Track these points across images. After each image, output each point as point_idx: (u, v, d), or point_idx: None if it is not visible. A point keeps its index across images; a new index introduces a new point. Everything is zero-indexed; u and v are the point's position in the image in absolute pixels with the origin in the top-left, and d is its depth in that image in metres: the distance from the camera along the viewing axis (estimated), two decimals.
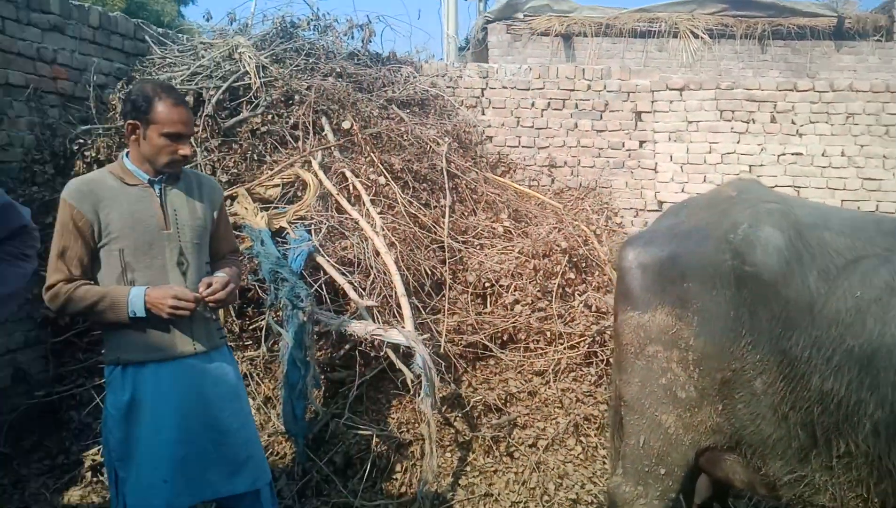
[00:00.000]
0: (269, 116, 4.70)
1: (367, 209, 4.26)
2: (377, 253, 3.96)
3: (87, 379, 3.79)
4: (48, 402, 3.75)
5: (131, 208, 2.24)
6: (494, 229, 4.97)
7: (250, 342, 3.94)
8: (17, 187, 3.77)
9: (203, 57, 4.82)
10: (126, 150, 2.32)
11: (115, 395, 2.24)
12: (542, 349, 4.27)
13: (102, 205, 2.20)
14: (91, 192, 2.20)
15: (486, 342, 4.15)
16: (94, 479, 3.37)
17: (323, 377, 3.69)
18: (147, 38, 4.82)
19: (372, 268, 3.90)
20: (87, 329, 3.86)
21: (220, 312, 2.89)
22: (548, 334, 4.29)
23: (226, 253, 2.56)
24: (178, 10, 19.91)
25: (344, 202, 4.24)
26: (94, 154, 4.06)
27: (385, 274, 3.88)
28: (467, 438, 3.63)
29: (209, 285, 2.26)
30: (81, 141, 4.09)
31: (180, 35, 5.32)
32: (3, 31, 3.69)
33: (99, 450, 3.48)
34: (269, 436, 3.51)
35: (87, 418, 3.65)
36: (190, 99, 4.39)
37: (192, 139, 2.36)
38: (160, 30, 5.14)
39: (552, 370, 4.10)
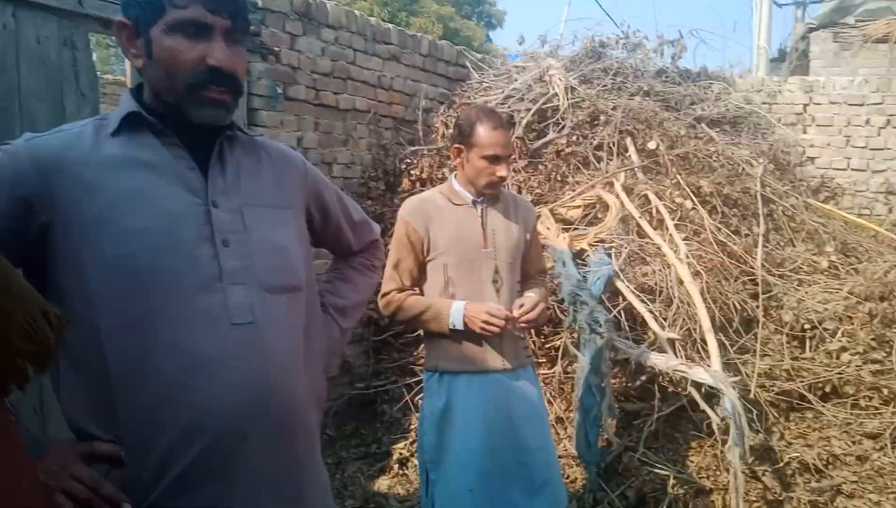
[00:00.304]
0: (574, 137, 4.72)
1: (671, 235, 4.04)
2: (680, 282, 3.73)
3: (399, 377, 4.14)
4: (366, 394, 4.18)
5: (457, 226, 2.37)
6: (817, 263, 4.40)
7: (544, 361, 3.98)
8: (355, 201, 4.29)
9: (516, 80, 5.03)
10: (455, 172, 2.47)
11: (431, 400, 2.39)
12: (876, 408, 3.64)
13: (432, 222, 2.37)
14: (424, 210, 2.38)
15: (804, 392, 3.65)
16: (401, 472, 3.65)
17: (618, 406, 3.57)
18: (468, 63, 5.17)
19: (674, 298, 3.67)
20: (401, 331, 4.23)
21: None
22: (884, 391, 3.64)
23: (534, 273, 2.59)
24: (487, 34, 21.36)
25: (646, 226, 4.07)
26: (418, 173, 4.45)
27: (688, 305, 3.63)
28: (779, 497, 3.22)
29: (521, 306, 2.31)
30: (409, 161, 4.51)
31: (495, 59, 5.62)
32: (354, 62, 4.23)
33: (405, 445, 3.79)
34: (559, 457, 3.49)
35: (397, 413, 3.98)
36: None
37: (509, 161, 2.41)
38: (478, 55, 5.48)
39: (889, 434, 3.46)
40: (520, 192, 4.43)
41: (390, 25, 4.61)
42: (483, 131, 2.31)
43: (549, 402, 3.77)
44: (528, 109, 4.73)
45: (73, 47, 2.67)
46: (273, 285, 1.24)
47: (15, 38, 2.49)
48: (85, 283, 1.11)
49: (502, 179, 2.34)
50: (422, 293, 2.41)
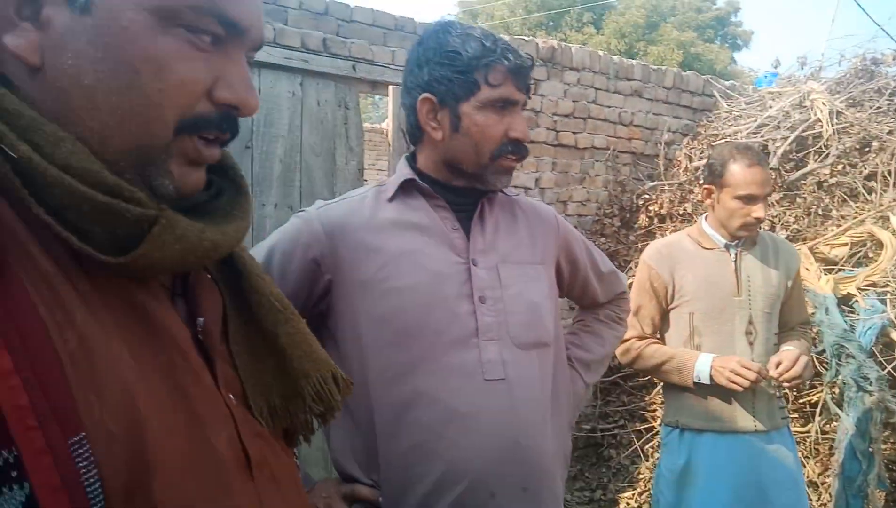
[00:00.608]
0: (840, 166, 4.21)
1: None
2: None
3: (628, 422, 3.99)
4: (592, 436, 4.08)
5: (706, 272, 2.23)
6: None
7: (797, 416, 3.57)
8: (589, 239, 4.25)
9: (770, 107, 4.65)
10: (705, 214, 2.34)
11: (670, 457, 2.26)
12: None
13: (678, 268, 2.25)
14: (669, 255, 2.27)
15: None
16: None
17: (888, 476, 3.08)
18: (715, 92, 4.90)
19: None
20: (631, 374, 4.08)
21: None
22: None
23: (795, 324, 2.35)
24: (732, 56, 20.09)
25: None
26: (657, 208, 4.29)
27: None
28: None
29: (779, 363, 2.10)
30: (647, 196, 4.38)
31: (745, 86, 5.25)
32: (595, 101, 4.23)
33: (633, 494, 3.62)
34: None
35: (625, 459, 3.83)
36: None
37: (767, 200, 2.20)
38: (727, 83, 5.17)
39: None
40: (773, 228, 4.06)
41: (634, 62, 4.54)
42: (737, 169, 2.15)
43: (802, 463, 3.37)
44: (785, 138, 4.34)
45: (345, 107, 3.03)
46: (524, 341, 1.27)
47: (301, 102, 2.89)
48: (358, 336, 1.23)
49: (759, 220, 2.15)
50: (663, 342, 2.31)
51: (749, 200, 2.14)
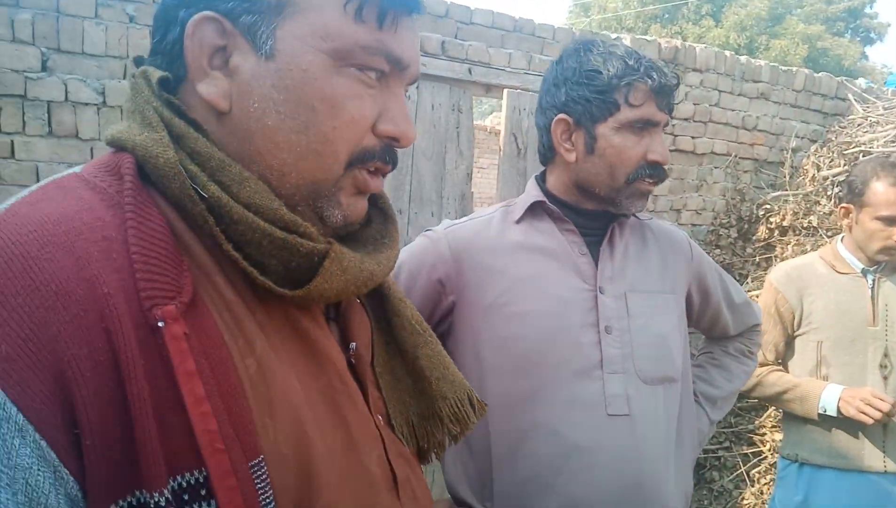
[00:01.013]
0: None
1: None
2: None
3: (734, 444, 3.81)
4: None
5: (838, 298, 2.09)
6: None
7: None
8: (703, 250, 4.07)
9: None
10: (841, 235, 2.18)
11: (785, 491, 2.14)
12: None
13: (808, 292, 2.11)
14: (799, 278, 2.14)
15: None
16: None
17: None
18: (849, 95, 4.56)
19: None
20: (740, 394, 3.88)
21: None
22: None
23: None
24: (863, 52, 18.69)
25: None
26: (779, 220, 4.05)
27: None
28: None
29: None
30: (768, 206, 4.14)
31: (883, 90, 4.85)
32: (717, 104, 4.03)
33: None
34: None
35: (729, 483, 3.67)
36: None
37: None
38: (863, 85, 4.80)
39: None
40: None
41: (762, 63, 4.29)
42: (880, 188, 1.99)
43: None
44: None
45: (458, 111, 3.03)
46: (651, 375, 1.23)
47: (415, 106, 2.91)
48: (479, 360, 1.21)
49: None
50: (786, 370, 2.17)
51: (891, 221, 1.98)
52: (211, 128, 0.61)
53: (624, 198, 1.23)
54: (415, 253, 1.28)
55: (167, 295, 0.51)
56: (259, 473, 0.53)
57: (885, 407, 1.92)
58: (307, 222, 0.62)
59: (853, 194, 2.08)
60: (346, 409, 0.64)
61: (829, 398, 2.02)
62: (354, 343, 0.69)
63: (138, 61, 0.65)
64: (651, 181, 1.24)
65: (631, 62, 1.18)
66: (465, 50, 3.09)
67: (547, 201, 1.28)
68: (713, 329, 1.54)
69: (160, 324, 0.50)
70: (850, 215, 2.09)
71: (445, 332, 1.27)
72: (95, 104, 2.41)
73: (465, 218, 1.35)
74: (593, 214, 1.27)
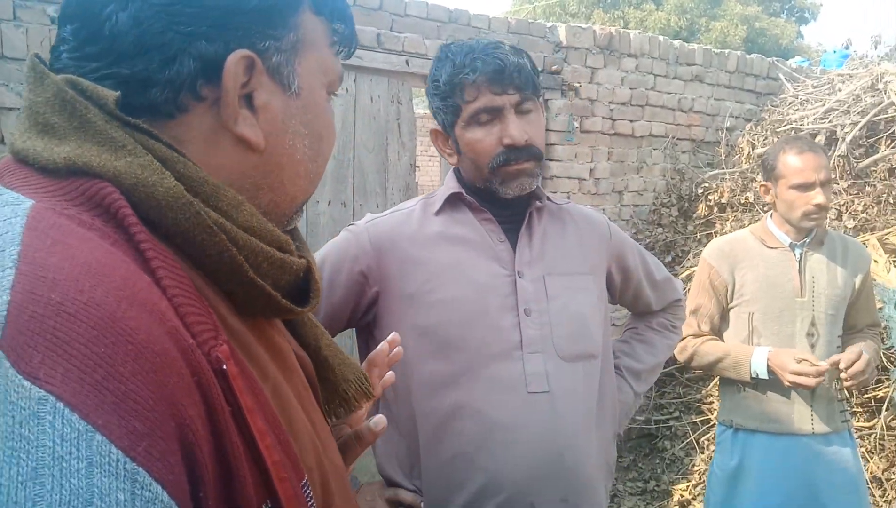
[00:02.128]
0: None
1: None
2: None
3: (683, 413, 3.93)
4: (646, 428, 4.04)
5: (768, 271, 2.16)
6: None
7: (861, 412, 3.45)
8: (645, 229, 4.17)
9: (840, 91, 4.44)
10: (770, 211, 2.26)
11: (722, 456, 2.22)
12: None
13: (739, 266, 2.19)
14: (731, 253, 2.21)
15: None
16: None
17: None
18: (780, 75, 4.71)
19: None
20: (687, 366, 4.00)
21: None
22: None
23: (862, 327, 2.26)
24: (798, 31, 19.24)
25: None
26: (717, 197, 4.17)
27: None
28: None
29: (845, 360, 2.02)
30: (706, 185, 4.26)
31: (814, 69, 5.03)
32: (653, 88, 4.13)
33: (688, 487, 3.57)
34: None
35: (680, 452, 3.78)
36: (821, 138, 4.10)
37: (827, 187, 2.11)
38: (794, 66, 4.97)
39: None
40: (840, 217, 3.91)
41: (695, 46, 4.40)
42: (788, 160, 2.08)
43: (865, 458, 3.26)
44: (855, 123, 4.15)
45: (398, 102, 3.04)
46: (570, 353, 1.27)
47: (354, 99, 2.91)
48: (405, 347, 1.24)
49: (820, 207, 2.06)
50: (722, 341, 2.25)
51: (805, 187, 2.06)
52: (230, 162, 0.59)
53: (498, 185, 1.27)
54: (337, 247, 1.31)
55: (212, 335, 0.50)
56: (307, 491, 0.56)
57: (813, 378, 1.99)
58: None
59: (768, 171, 2.16)
60: (311, 412, 0.65)
61: (759, 362, 2.10)
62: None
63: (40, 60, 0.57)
64: (517, 163, 1.25)
65: (458, 60, 1.22)
66: (401, 42, 3.09)
67: (464, 193, 1.31)
68: (636, 305, 1.59)
69: (224, 367, 0.49)
70: (770, 191, 2.17)
71: (371, 322, 1.31)
72: (19, 108, 2.33)
73: (386, 211, 1.38)
74: (509, 202, 1.30)
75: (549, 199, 1.38)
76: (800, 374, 2.00)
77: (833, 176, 4.03)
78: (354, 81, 2.90)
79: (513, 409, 1.20)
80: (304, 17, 0.61)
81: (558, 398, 1.23)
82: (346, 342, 2.69)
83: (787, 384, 2.04)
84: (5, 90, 2.32)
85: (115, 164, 0.51)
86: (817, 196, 2.05)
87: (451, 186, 1.33)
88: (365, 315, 1.30)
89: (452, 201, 1.32)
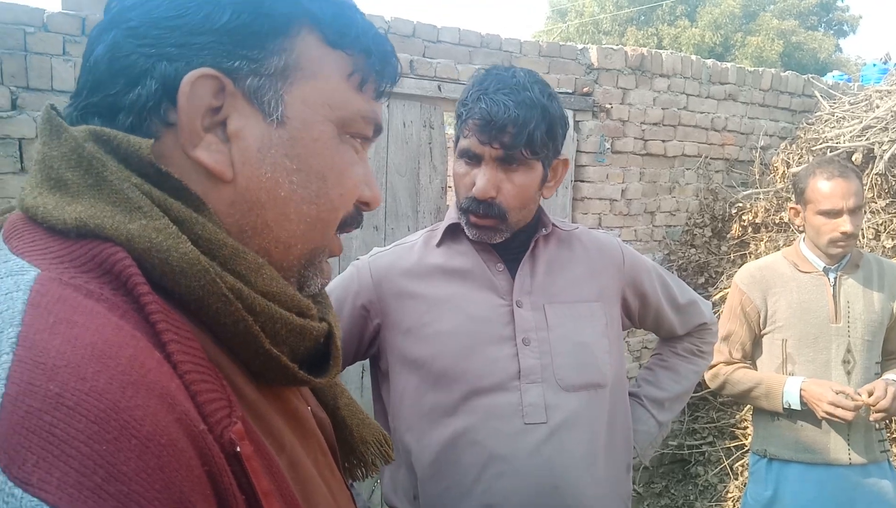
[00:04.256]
0: None
1: None
2: None
3: (717, 439, 3.87)
4: (679, 453, 3.98)
5: (801, 297, 2.14)
6: None
7: None
8: (677, 250, 4.14)
9: (878, 107, 4.36)
10: (803, 235, 2.23)
11: (756, 487, 2.20)
12: None
13: (772, 292, 2.17)
14: (763, 278, 2.19)
15: None
16: None
17: None
18: (816, 92, 4.65)
19: None
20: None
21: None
22: None
23: None
24: (836, 44, 18.92)
25: None
26: (751, 217, 4.12)
27: None
28: None
29: (871, 393, 1.99)
30: (740, 204, 4.22)
31: (850, 85, 4.95)
32: (686, 108, 4.11)
33: None
34: None
35: (713, 478, 3.72)
36: (858, 156, 4.03)
37: (857, 214, 2.08)
38: (830, 82, 4.90)
39: None
40: (878, 236, 3.83)
41: (728, 65, 4.37)
42: (817, 185, 2.06)
43: None
44: (894, 141, 4.06)
45: (430, 127, 3.09)
46: (572, 383, 1.26)
47: (387, 124, 2.97)
48: (403, 379, 1.28)
49: (846, 235, 2.03)
50: (755, 368, 2.23)
51: (833, 214, 2.03)
52: (207, 199, 0.54)
53: (464, 224, 1.29)
54: (342, 281, 1.35)
55: (226, 414, 0.47)
56: None
57: (850, 404, 1.96)
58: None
59: (798, 195, 2.14)
60: (329, 478, 0.63)
61: (791, 392, 2.07)
62: (310, 407, 0.67)
63: (54, 110, 0.54)
64: (479, 215, 1.25)
65: (470, 93, 1.23)
66: (433, 68, 3.14)
67: (463, 223, 1.31)
68: (660, 330, 1.58)
69: (238, 449, 0.46)
70: (799, 214, 2.15)
71: (376, 355, 1.34)
72: None
73: (391, 244, 1.41)
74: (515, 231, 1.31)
75: (555, 225, 1.38)
76: (837, 406, 1.97)
77: (871, 195, 3.96)
78: (388, 106, 2.96)
79: (508, 440, 1.21)
80: (302, 44, 0.57)
81: (557, 429, 1.22)
82: None
83: (821, 416, 2.01)
84: None
85: (129, 226, 0.48)
86: (844, 224, 2.02)
87: (451, 216, 1.35)
88: (370, 348, 1.34)
89: (453, 232, 1.34)
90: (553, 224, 1.37)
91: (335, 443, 0.69)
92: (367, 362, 1.41)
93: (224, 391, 0.48)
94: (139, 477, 0.38)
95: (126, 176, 0.50)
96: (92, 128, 0.52)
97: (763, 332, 2.19)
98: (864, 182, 3.88)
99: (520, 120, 1.18)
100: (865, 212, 3.90)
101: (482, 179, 1.21)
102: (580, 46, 3.79)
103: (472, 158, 1.24)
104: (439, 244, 1.34)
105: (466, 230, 1.29)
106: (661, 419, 1.52)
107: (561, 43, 3.71)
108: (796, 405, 2.06)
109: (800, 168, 2.29)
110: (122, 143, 0.51)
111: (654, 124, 3.99)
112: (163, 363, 0.44)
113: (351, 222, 0.64)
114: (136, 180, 0.50)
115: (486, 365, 1.24)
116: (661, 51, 4.09)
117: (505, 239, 1.29)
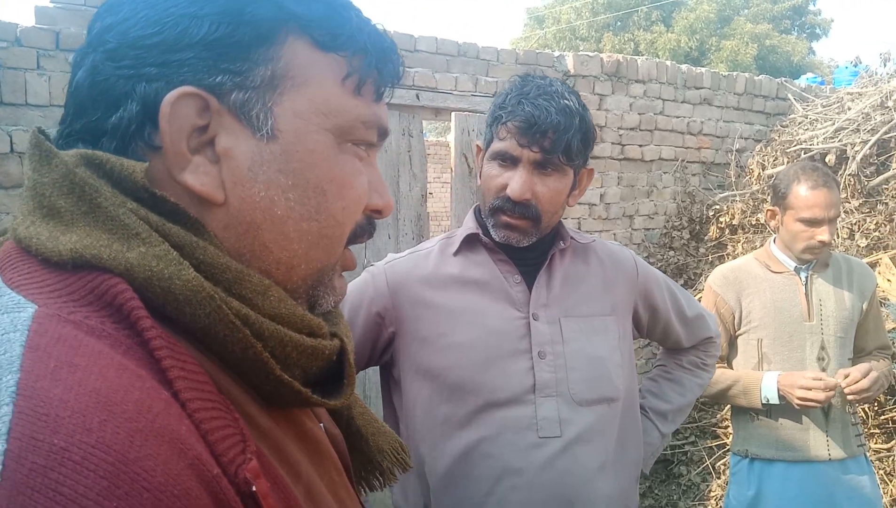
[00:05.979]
0: None
1: None
2: None
3: (699, 438, 3.91)
4: (662, 454, 3.98)
5: (774, 296, 2.17)
6: None
7: (878, 433, 3.41)
8: (656, 252, 4.19)
9: (849, 109, 4.45)
10: (774, 236, 2.27)
11: (738, 487, 2.21)
12: None
13: (745, 293, 2.20)
14: (736, 279, 2.22)
15: None
16: None
17: None
18: (789, 95, 4.74)
19: None
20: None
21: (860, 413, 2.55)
22: None
23: (871, 349, 2.25)
24: (809, 47, 19.22)
25: None
26: (728, 219, 4.19)
27: None
28: None
29: (847, 376, 2.01)
30: (717, 207, 4.28)
31: (823, 88, 5.05)
32: (662, 112, 4.17)
33: None
34: None
35: (696, 477, 3.75)
36: (831, 157, 4.11)
37: (833, 223, 2.11)
38: (803, 85, 4.99)
39: None
40: (851, 235, 3.90)
41: (703, 70, 4.44)
42: (801, 191, 2.07)
43: (884, 481, 3.22)
44: (865, 142, 4.16)
45: (409, 135, 3.10)
46: (585, 397, 1.26)
47: None
48: (416, 388, 1.27)
49: (823, 244, 2.06)
50: (731, 369, 2.26)
51: (813, 223, 2.05)
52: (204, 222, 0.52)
53: (491, 226, 1.28)
54: (357, 288, 1.32)
55: (240, 451, 0.45)
56: None
57: (822, 393, 1.97)
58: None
59: (777, 197, 2.15)
60: (346, 499, 0.61)
61: (769, 386, 2.09)
62: (323, 424, 0.65)
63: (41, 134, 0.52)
64: (514, 216, 1.25)
65: (509, 98, 1.24)
66: (411, 77, 3.16)
67: (480, 233, 1.32)
68: (666, 341, 1.58)
69: (254, 489, 0.44)
70: (777, 216, 2.17)
71: (389, 361, 1.32)
72: None
73: (407, 251, 1.40)
74: (531, 243, 1.30)
75: (573, 238, 1.37)
76: (808, 389, 1.99)
77: (845, 195, 4.04)
78: None
79: (522, 453, 1.21)
80: (289, 51, 0.53)
81: (571, 443, 1.22)
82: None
83: (796, 404, 2.04)
84: (27, 136, 2.41)
85: (128, 255, 0.46)
86: (823, 234, 2.04)
87: (469, 226, 1.34)
88: (383, 355, 1.32)
89: (470, 242, 1.33)
90: (571, 236, 1.37)
91: (349, 459, 0.67)
92: (365, 372, 1.40)
93: (237, 424, 0.46)
94: None
95: (121, 201, 0.48)
96: (83, 152, 0.50)
97: (738, 333, 2.22)
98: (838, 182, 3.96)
99: (561, 126, 1.20)
100: (842, 212, 3.98)
101: (518, 181, 1.22)
102: (556, 53, 3.84)
103: (508, 161, 1.24)
104: (456, 253, 1.33)
105: (493, 232, 1.28)
106: (664, 430, 1.53)
107: (537, 50, 3.75)
108: (774, 400, 2.08)
109: (779, 170, 2.32)
110: (114, 166, 0.49)
111: (631, 129, 4.04)
112: (171, 404, 0.42)
113: (362, 232, 0.61)
114: (132, 205, 0.48)
115: (501, 378, 1.23)
116: (636, 57, 4.15)
117: (524, 247, 1.29)
